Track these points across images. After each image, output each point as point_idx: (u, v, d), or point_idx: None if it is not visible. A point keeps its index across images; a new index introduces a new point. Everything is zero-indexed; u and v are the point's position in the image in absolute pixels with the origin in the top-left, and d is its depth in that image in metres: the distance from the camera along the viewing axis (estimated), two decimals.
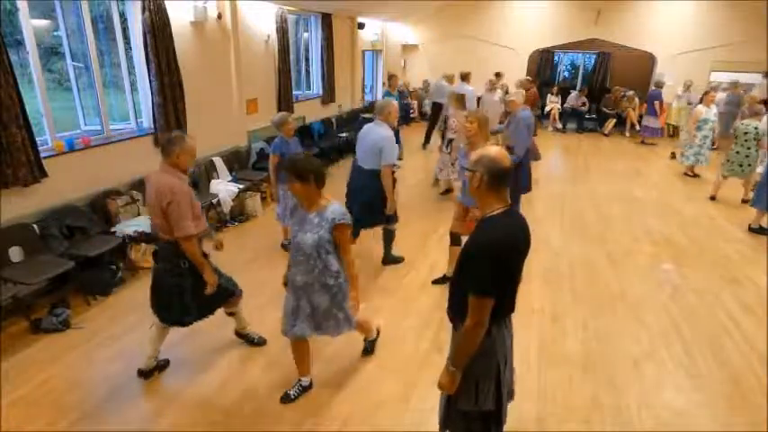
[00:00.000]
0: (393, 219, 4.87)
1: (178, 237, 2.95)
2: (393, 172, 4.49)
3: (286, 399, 3.12)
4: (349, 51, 11.04)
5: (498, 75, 10.84)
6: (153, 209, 2.99)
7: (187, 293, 3.13)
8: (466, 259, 2.04)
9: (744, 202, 7.33)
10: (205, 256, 3.21)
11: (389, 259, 5.15)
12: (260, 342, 3.72)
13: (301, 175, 2.64)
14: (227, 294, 3.41)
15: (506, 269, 1.97)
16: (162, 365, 3.39)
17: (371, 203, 4.60)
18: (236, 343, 3.74)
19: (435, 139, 9.15)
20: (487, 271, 1.91)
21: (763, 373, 3.56)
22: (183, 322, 3.24)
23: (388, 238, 5.07)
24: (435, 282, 4.59)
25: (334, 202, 2.80)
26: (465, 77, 9.16)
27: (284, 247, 5.34)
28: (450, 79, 9.86)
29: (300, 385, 3.19)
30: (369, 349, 3.63)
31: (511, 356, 2.30)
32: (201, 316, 3.31)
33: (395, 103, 4.71)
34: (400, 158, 8.26)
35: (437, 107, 9.88)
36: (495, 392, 2.15)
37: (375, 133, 4.49)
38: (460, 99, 7.05)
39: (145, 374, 3.30)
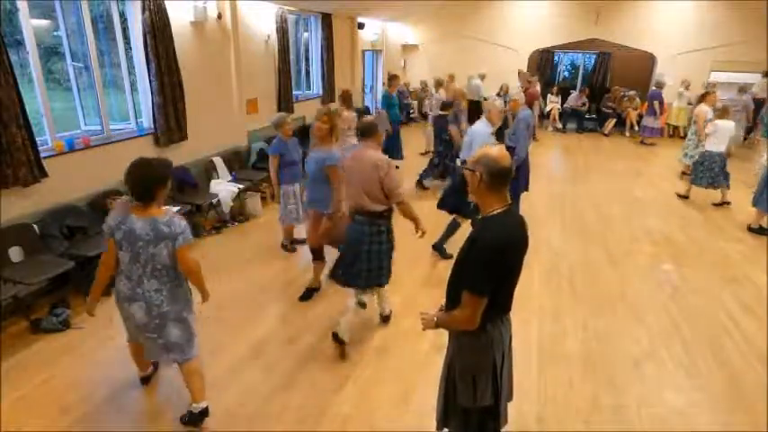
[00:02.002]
0: (469, 212, 4.91)
1: (397, 202, 3.44)
2: None
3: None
4: (349, 51, 11.04)
5: (532, 75, 11.17)
6: (364, 183, 3.34)
7: (385, 256, 3.56)
8: (464, 258, 2.04)
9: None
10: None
11: (439, 248, 5.23)
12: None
13: None
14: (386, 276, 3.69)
15: (504, 269, 1.98)
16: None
17: (460, 194, 4.80)
18: (236, 344, 3.74)
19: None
20: (485, 271, 1.92)
21: (764, 373, 3.56)
22: (382, 283, 3.66)
23: (452, 227, 5.16)
24: (303, 297, 4.36)
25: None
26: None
27: (284, 247, 5.34)
28: (482, 77, 10.92)
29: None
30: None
31: (509, 355, 2.31)
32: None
33: (497, 104, 4.86)
34: (401, 158, 8.27)
35: (476, 105, 10.41)
36: (492, 388, 2.16)
37: (473, 127, 4.89)
38: None
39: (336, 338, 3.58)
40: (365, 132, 3.43)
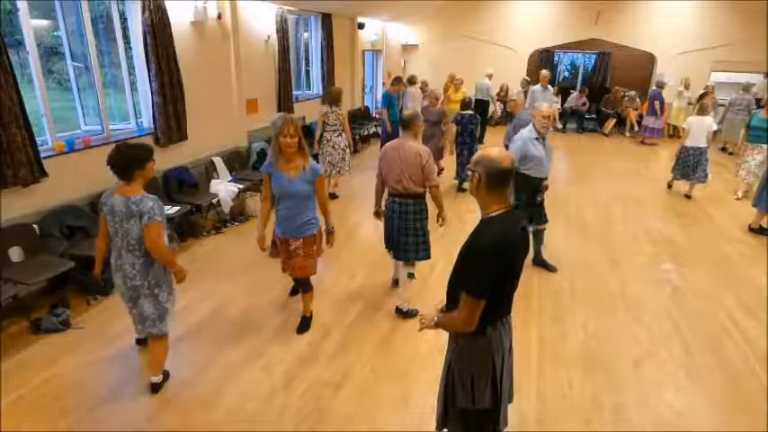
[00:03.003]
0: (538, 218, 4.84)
1: (431, 186, 3.87)
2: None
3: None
4: (349, 51, 11.04)
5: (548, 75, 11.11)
6: (408, 169, 3.81)
7: (425, 231, 4.05)
8: (463, 259, 2.04)
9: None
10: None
11: (539, 261, 5.12)
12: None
13: None
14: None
15: (503, 271, 1.96)
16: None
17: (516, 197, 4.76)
18: (236, 344, 3.74)
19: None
20: (483, 272, 1.91)
21: (763, 373, 3.56)
22: (427, 257, 4.13)
23: (536, 238, 5.02)
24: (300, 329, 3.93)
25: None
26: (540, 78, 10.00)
27: None
28: (490, 77, 11.20)
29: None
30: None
31: (510, 357, 2.30)
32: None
33: (542, 108, 4.72)
34: None
35: (484, 105, 10.78)
36: (491, 391, 2.16)
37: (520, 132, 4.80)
38: None
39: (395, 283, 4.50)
40: (406, 124, 3.95)
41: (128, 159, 2.83)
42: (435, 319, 2.17)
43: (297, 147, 3.35)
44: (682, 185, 7.93)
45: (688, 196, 7.71)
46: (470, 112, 7.59)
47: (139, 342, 3.59)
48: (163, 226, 2.95)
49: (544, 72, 9.64)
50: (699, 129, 7.42)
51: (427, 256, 4.13)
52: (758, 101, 10.37)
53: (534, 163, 4.57)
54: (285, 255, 3.62)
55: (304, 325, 3.95)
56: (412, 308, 4.17)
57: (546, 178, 4.79)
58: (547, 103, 8.24)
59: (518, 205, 4.68)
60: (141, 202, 2.82)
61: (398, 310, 4.21)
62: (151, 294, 3.00)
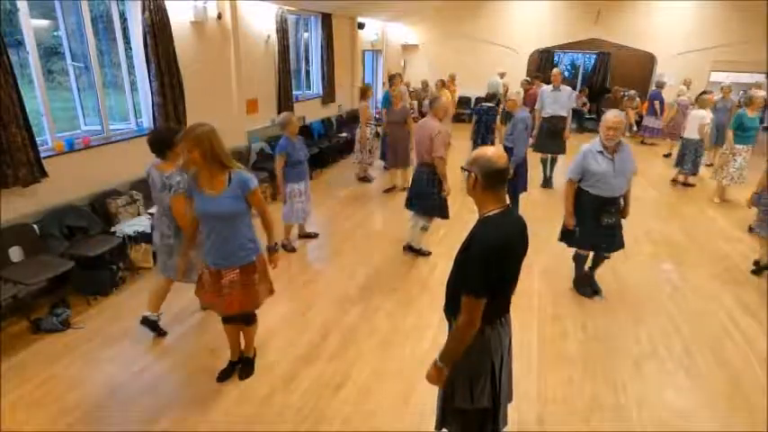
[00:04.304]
0: (568, 235, 4.50)
1: (435, 156, 4.70)
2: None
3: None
4: (349, 51, 11.05)
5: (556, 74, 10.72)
6: (424, 142, 4.73)
7: (436, 196, 4.89)
8: (461, 259, 2.04)
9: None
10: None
11: (591, 284, 4.56)
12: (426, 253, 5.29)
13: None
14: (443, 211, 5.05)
15: (501, 270, 1.96)
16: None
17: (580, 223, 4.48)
18: None
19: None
20: (481, 271, 1.91)
21: (763, 373, 3.56)
22: (441, 216, 5.06)
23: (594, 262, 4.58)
24: (222, 377, 3.28)
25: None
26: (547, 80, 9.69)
27: (284, 246, 5.33)
28: (502, 76, 11.24)
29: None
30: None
31: (509, 356, 2.30)
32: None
33: (608, 117, 4.33)
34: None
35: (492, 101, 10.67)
36: (490, 390, 2.16)
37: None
38: None
39: (409, 248, 5.26)
40: (430, 105, 4.93)
41: (160, 141, 3.38)
42: (436, 359, 2.09)
43: (202, 159, 2.64)
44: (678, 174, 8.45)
45: (678, 181, 8.40)
46: (490, 104, 7.53)
47: (146, 323, 3.74)
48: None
49: (555, 70, 9.09)
50: (693, 121, 7.84)
51: (440, 216, 4.99)
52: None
53: (596, 179, 4.10)
54: (214, 290, 2.91)
55: (247, 369, 3.34)
56: (425, 248, 5.24)
57: (615, 198, 4.26)
58: (559, 105, 8.08)
59: (579, 227, 4.28)
60: (171, 176, 3.33)
61: (410, 248, 5.25)
62: (180, 254, 3.42)
